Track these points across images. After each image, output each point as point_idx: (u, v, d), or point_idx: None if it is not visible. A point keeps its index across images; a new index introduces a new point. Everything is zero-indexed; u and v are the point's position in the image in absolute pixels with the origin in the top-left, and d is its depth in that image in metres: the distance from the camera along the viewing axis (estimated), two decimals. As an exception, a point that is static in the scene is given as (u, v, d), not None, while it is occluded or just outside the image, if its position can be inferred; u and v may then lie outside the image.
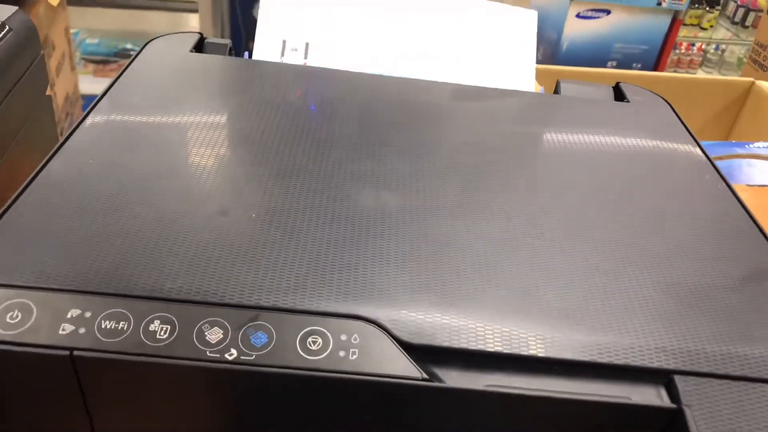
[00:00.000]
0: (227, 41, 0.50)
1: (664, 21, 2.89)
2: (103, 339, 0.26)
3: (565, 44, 2.89)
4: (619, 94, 0.50)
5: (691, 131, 0.45)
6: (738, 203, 0.38)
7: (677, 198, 0.39)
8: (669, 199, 0.39)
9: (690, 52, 3.07)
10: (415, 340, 0.28)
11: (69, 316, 0.27)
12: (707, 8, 2.97)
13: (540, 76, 1.08)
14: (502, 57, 0.49)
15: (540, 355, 0.28)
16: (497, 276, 0.31)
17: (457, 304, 0.29)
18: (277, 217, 0.33)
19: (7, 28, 0.49)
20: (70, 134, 0.37)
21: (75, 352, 0.26)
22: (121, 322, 0.27)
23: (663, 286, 0.32)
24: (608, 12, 2.83)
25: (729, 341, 0.29)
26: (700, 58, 3.11)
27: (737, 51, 3.07)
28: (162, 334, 0.27)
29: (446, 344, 0.28)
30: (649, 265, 0.33)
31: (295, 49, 0.49)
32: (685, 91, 1.22)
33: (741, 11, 2.97)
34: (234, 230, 0.32)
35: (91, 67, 2.26)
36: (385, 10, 0.49)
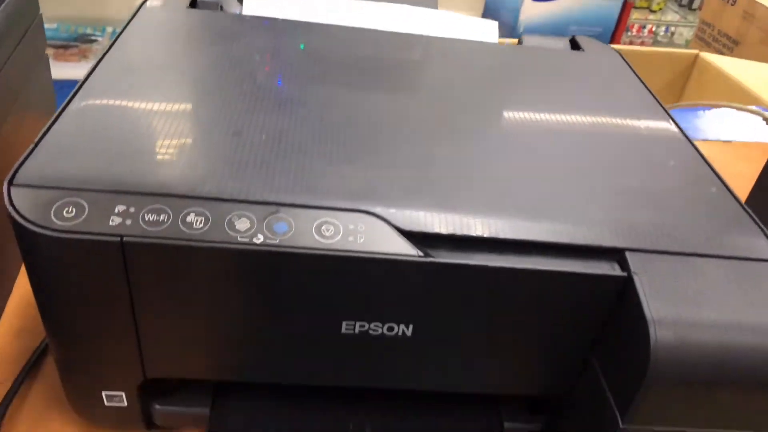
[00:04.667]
0: None
1: (616, 4, 2.98)
2: (147, 228, 0.31)
3: (521, 28, 2.95)
4: (575, 45, 0.56)
5: (636, 72, 0.51)
6: (677, 129, 0.45)
7: (624, 121, 0.45)
8: (617, 122, 0.45)
9: (641, 34, 3.19)
10: (411, 227, 0.33)
11: (117, 210, 0.31)
12: (656, -9, 3.09)
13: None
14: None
15: (515, 238, 0.33)
16: (478, 179, 0.36)
17: (444, 200, 0.35)
18: (284, 136, 0.38)
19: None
20: (91, 72, 0.41)
21: (125, 238, 0.30)
22: (162, 215, 0.31)
23: (616, 188, 0.38)
24: (563, -5, 2.87)
25: (666, 227, 0.35)
26: (651, 40, 3.23)
27: (685, 33, 3.20)
28: (198, 224, 0.31)
29: (436, 231, 0.33)
30: (604, 173, 0.39)
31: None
32: (636, 63, 1.28)
33: (688, -6, 3.10)
34: (248, 145, 0.36)
35: (51, 51, 2.24)
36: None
